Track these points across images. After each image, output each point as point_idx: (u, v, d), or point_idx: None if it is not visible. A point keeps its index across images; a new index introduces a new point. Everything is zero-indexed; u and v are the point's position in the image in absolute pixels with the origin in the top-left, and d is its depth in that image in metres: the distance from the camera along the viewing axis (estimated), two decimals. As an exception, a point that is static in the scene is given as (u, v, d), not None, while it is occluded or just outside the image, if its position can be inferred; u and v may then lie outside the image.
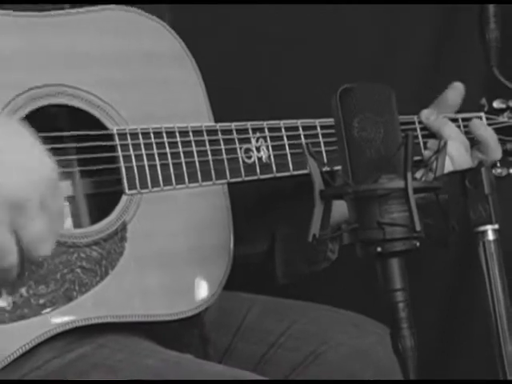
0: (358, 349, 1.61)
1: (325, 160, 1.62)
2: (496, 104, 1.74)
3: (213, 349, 1.65)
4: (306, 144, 1.35)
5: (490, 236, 1.22)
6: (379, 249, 1.17)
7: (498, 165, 1.74)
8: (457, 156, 1.67)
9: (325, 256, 1.73)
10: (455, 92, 1.75)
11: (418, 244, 1.19)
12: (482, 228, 1.22)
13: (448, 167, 1.59)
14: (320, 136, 1.63)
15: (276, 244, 1.79)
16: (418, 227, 1.17)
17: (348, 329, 1.66)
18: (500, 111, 1.76)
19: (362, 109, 1.21)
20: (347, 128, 1.20)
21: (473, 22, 1.47)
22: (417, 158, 1.69)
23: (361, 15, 2.24)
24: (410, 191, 1.17)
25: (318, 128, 1.63)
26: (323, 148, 1.62)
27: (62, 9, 1.52)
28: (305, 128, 1.63)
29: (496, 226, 1.23)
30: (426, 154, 1.70)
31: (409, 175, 1.18)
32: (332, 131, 1.45)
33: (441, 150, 1.27)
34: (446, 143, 1.33)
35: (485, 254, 1.22)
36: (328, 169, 1.35)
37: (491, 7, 1.41)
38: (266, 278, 1.81)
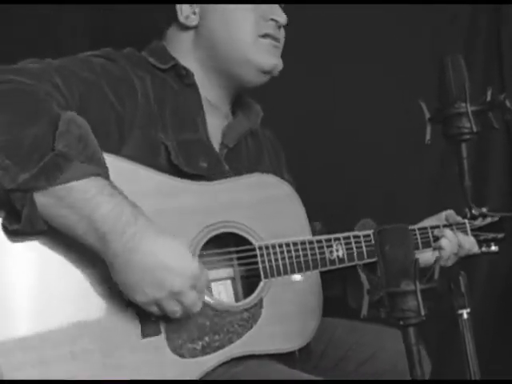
0: (398, 351, 1.67)
1: None
2: (474, 211, 1.98)
3: (314, 354, 1.88)
4: (358, 265, 1.61)
5: (465, 316, 1.46)
6: (402, 322, 1.42)
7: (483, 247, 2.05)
8: (450, 251, 1.97)
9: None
10: (455, 218, 2.04)
11: (424, 318, 1.41)
12: (460, 311, 1.47)
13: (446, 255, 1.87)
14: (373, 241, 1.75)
15: (347, 287, 2.00)
16: (423, 312, 1.40)
17: (393, 339, 1.83)
18: (477, 217, 2.06)
19: (390, 240, 1.42)
20: (382, 251, 1.41)
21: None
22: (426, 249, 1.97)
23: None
24: (418, 291, 1.40)
25: (372, 236, 1.83)
26: None
27: (224, 177, 1.77)
28: (365, 236, 1.87)
29: (468, 310, 1.46)
30: (442, 242, 1.98)
31: (417, 282, 1.39)
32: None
33: (437, 262, 1.46)
34: (439, 258, 1.52)
35: (462, 325, 1.46)
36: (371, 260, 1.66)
37: (466, 167, 1.55)
38: (343, 307, 2.02)
